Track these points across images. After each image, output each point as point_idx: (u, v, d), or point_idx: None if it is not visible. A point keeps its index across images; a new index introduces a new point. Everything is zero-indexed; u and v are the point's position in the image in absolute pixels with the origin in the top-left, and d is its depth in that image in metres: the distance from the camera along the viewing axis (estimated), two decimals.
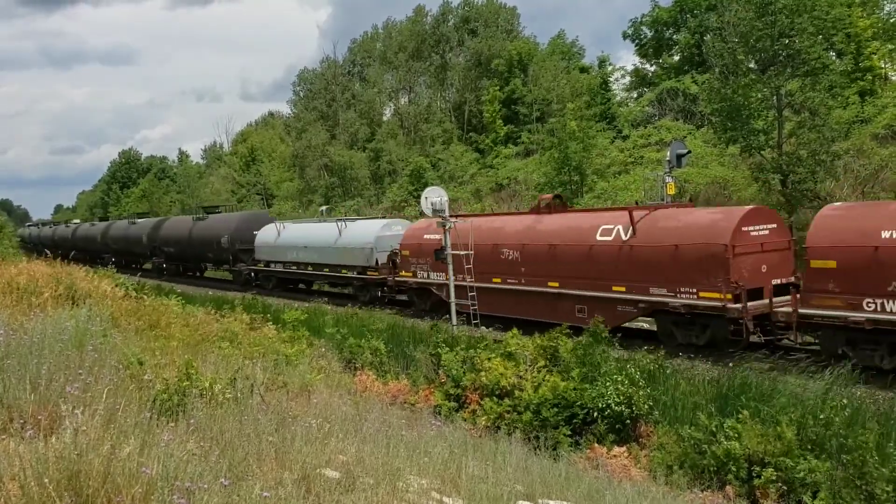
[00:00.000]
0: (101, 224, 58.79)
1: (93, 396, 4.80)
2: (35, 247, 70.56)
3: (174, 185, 79.80)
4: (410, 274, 22.49)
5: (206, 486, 3.64)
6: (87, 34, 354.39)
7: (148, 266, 47.08)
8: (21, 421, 4.62)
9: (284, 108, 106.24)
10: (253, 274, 32.94)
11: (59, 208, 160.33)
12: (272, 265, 31.08)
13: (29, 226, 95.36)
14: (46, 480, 3.32)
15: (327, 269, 27.21)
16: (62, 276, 14.31)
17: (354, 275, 25.68)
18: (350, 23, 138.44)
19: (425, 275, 21.73)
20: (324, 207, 33.13)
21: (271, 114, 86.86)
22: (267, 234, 31.52)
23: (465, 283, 19.15)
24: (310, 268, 28.41)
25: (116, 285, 17.08)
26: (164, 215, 55.93)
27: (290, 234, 30.02)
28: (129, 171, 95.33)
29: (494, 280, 19.37)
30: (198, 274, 42.37)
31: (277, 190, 61.57)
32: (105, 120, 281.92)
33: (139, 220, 49.22)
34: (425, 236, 21.74)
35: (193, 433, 4.91)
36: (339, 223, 27.04)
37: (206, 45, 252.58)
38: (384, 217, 30.21)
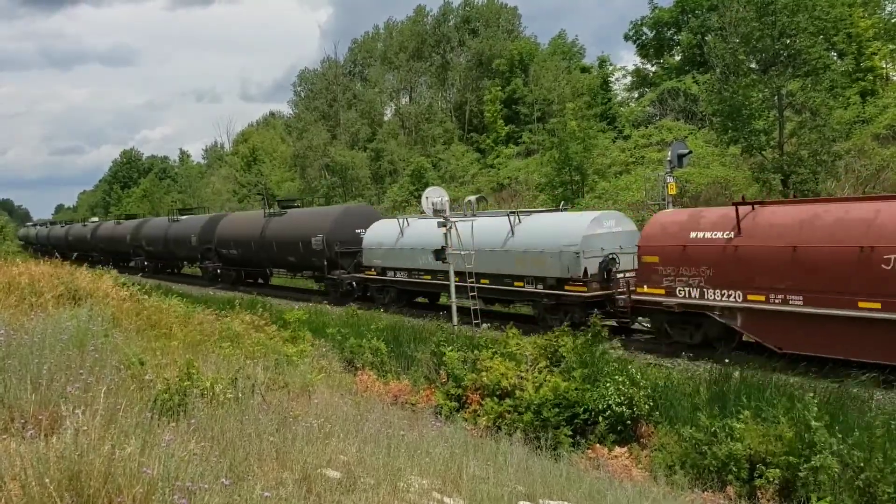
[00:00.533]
0: (129, 223, 50.15)
1: (94, 396, 4.79)
2: (42, 248, 65.84)
3: (175, 185, 79.90)
4: (661, 291, 15.46)
5: (206, 486, 3.64)
6: (88, 35, 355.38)
7: (189, 270, 42.07)
8: (22, 421, 4.62)
9: (285, 109, 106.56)
10: (354, 283, 25.68)
11: (59, 208, 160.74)
12: (390, 273, 23.59)
13: (34, 225, 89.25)
14: (47, 480, 3.32)
15: (487, 281, 19.73)
16: (64, 275, 14.34)
17: (540, 289, 18.31)
18: (351, 23, 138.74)
19: (694, 292, 14.88)
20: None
21: (272, 114, 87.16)
22: (382, 234, 24.28)
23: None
24: (456, 277, 20.54)
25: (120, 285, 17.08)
26: (219, 211, 47.48)
27: (421, 233, 22.53)
28: (129, 171, 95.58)
29: (863, 305, 12.30)
30: (260, 281, 34.95)
31: (278, 190, 61.65)
32: (105, 120, 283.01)
33: (183, 217, 41.77)
34: (694, 234, 15.03)
35: (194, 433, 4.91)
36: (512, 217, 19.72)
37: (206, 46, 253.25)
38: (558, 208, 22.20)
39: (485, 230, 19.79)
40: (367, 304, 23.54)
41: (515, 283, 18.85)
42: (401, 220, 23.81)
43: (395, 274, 23.41)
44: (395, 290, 23.84)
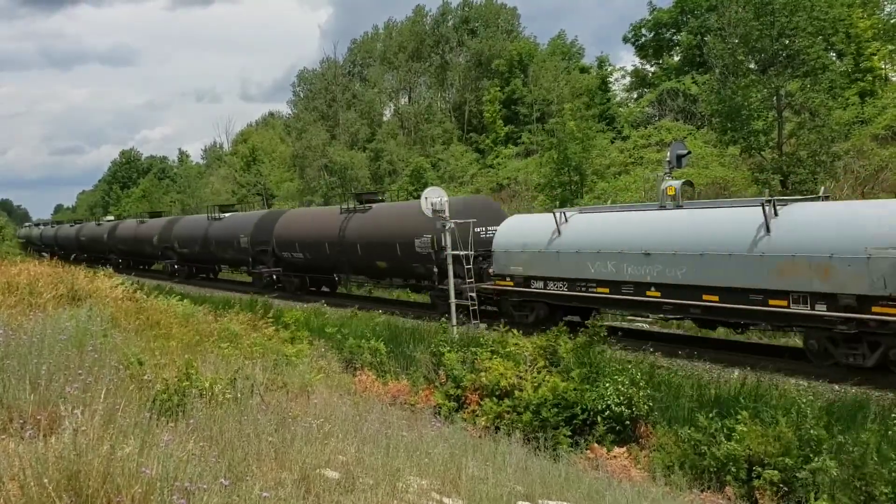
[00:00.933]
0: (155, 221, 44.31)
1: (92, 396, 4.79)
2: (48, 249, 59.81)
3: (174, 185, 79.88)
4: None
5: (205, 486, 3.64)
6: (88, 35, 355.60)
7: (230, 275, 37.87)
8: (21, 421, 4.62)
9: (284, 109, 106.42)
10: (475, 295, 19.18)
11: (58, 208, 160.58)
12: (537, 284, 17.85)
13: (37, 225, 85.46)
14: (46, 480, 3.32)
15: (716, 297, 14.08)
16: (64, 275, 14.34)
17: (823, 310, 12.57)
18: (350, 23, 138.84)
19: None
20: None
21: (271, 114, 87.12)
22: (524, 233, 18.49)
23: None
24: (654, 291, 15.20)
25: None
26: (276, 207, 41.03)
27: (593, 232, 16.86)
28: (129, 171, 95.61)
29: None
30: (325, 289, 29.64)
31: (277, 190, 61.66)
32: (105, 120, 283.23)
33: (226, 215, 35.44)
34: None
35: (193, 433, 4.91)
36: (767, 207, 13.51)
37: (206, 46, 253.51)
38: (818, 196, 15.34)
39: (711, 226, 14.55)
40: (490, 320, 18.23)
41: (771, 302, 13.22)
42: (557, 215, 17.63)
43: (546, 285, 17.75)
44: (545, 305, 18.09)
